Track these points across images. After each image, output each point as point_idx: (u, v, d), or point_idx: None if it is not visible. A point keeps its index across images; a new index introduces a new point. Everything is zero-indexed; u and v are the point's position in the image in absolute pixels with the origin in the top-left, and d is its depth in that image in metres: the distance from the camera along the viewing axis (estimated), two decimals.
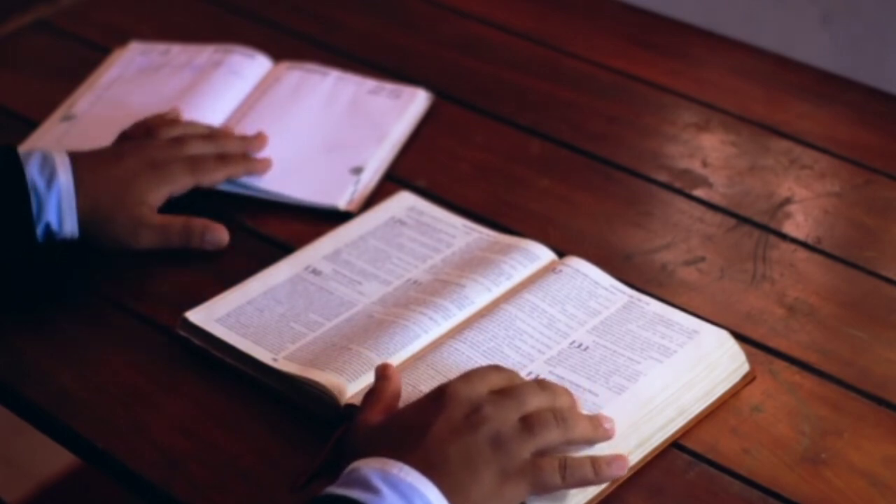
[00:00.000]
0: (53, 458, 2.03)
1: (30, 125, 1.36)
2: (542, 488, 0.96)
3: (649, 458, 1.03)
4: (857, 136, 1.36)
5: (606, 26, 1.53)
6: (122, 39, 1.48)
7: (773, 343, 1.12)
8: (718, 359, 1.08)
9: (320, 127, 1.36)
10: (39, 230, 1.16)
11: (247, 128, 1.34)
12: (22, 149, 1.18)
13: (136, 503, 1.04)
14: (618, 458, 0.99)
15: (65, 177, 1.16)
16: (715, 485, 1.01)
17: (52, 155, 1.18)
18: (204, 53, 1.44)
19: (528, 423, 0.96)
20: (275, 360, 1.08)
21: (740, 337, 1.11)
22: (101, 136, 1.30)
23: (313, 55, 1.45)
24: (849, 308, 1.16)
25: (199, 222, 1.21)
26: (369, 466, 0.93)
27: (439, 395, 0.97)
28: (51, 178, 1.16)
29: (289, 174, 1.29)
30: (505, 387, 0.99)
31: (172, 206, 1.22)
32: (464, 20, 1.54)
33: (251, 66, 1.42)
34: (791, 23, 2.21)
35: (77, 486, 2.03)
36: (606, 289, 1.14)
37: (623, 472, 0.99)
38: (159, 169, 1.21)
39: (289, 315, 1.13)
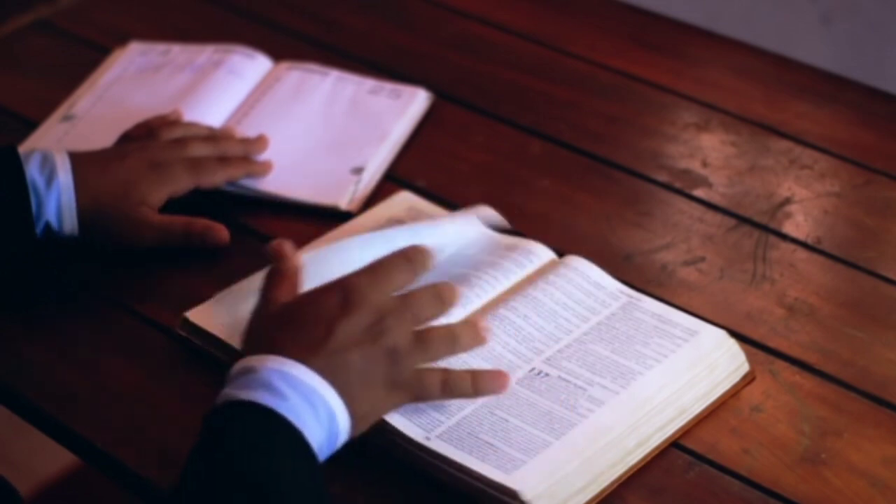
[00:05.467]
0: (53, 458, 2.03)
1: (30, 125, 1.36)
2: (423, 399, 1.01)
3: (649, 458, 1.03)
4: (857, 136, 1.36)
5: (606, 26, 1.53)
6: (122, 39, 1.48)
7: (773, 343, 1.12)
8: (718, 359, 1.08)
9: (320, 127, 1.36)
10: (39, 229, 1.16)
11: (247, 128, 1.34)
12: (22, 149, 1.18)
13: (136, 503, 1.04)
14: (499, 375, 1.02)
15: (65, 176, 1.16)
16: (715, 485, 1.01)
17: (52, 154, 1.18)
18: (204, 53, 1.44)
19: (422, 339, 1.00)
20: None
21: (740, 337, 1.11)
22: (101, 136, 1.30)
23: (313, 55, 1.46)
24: (849, 308, 1.16)
25: (199, 223, 1.21)
26: (266, 366, 0.94)
27: (347, 293, 0.99)
28: (51, 178, 1.16)
29: (289, 174, 1.29)
30: (404, 290, 1.02)
31: (173, 205, 1.22)
32: (464, 20, 1.54)
33: (251, 67, 1.42)
34: (791, 23, 2.21)
35: (77, 486, 2.04)
36: (606, 289, 1.14)
37: (504, 390, 1.02)
38: (160, 169, 1.21)
39: None
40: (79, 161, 1.18)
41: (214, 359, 1.11)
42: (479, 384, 1.02)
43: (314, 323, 0.98)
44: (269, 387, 0.93)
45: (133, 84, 1.41)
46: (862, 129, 1.37)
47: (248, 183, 1.27)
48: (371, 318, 0.99)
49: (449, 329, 1.02)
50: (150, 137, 1.25)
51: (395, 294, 1.01)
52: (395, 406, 1.00)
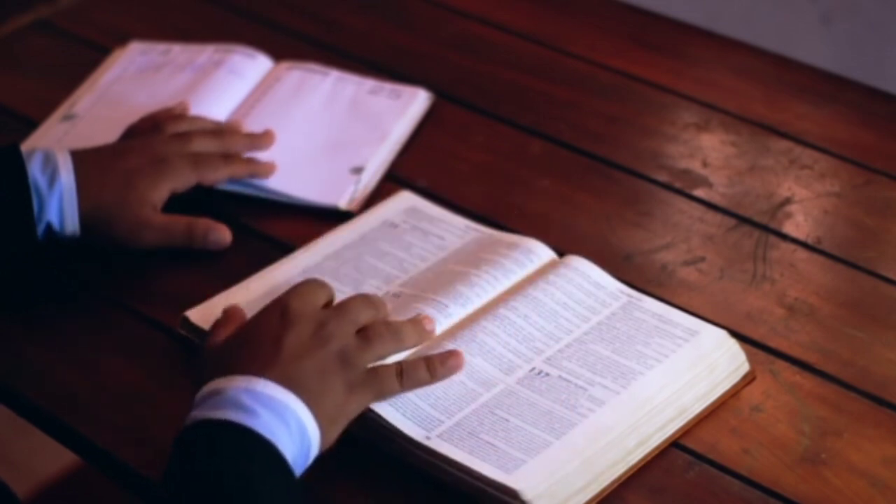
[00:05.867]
0: (53, 458, 2.03)
1: (30, 125, 1.36)
2: (385, 394, 1.02)
3: (649, 458, 1.03)
4: (857, 136, 1.36)
5: (606, 26, 1.53)
6: (122, 39, 1.48)
7: (773, 343, 1.12)
8: (718, 359, 1.08)
9: (321, 127, 1.36)
10: (40, 230, 1.16)
11: (247, 127, 1.34)
12: (24, 148, 1.18)
13: (136, 503, 1.04)
14: (452, 355, 1.04)
15: (67, 176, 1.16)
16: (715, 485, 1.01)
17: (55, 154, 1.18)
18: (204, 53, 1.44)
19: (366, 337, 1.02)
20: None
21: (740, 337, 1.11)
22: (101, 135, 1.30)
23: (313, 55, 1.46)
24: (849, 308, 1.16)
25: (202, 222, 1.21)
26: (233, 385, 0.95)
27: (283, 312, 1.01)
28: (53, 178, 1.16)
29: (289, 174, 1.29)
30: (331, 301, 1.05)
31: (172, 203, 1.22)
32: (464, 20, 1.54)
33: (252, 66, 1.42)
34: (791, 23, 2.21)
35: (77, 486, 2.04)
36: (606, 288, 1.14)
37: (459, 369, 1.04)
38: (161, 165, 1.21)
39: None
40: (81, 160, 1.18)
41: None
42: (434, 369, 1.04)
43: (262, 342, 1.00)
44: (239, 405, 0.94)
45: (133, 84, 1.41)
46: (862, 129, 1.37)
47: (249, 181, 1.27)
48: (312, 326, 1.01)
49: (390, 326, 1.04)
50: (155, 131, 1.25)
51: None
52: (360, 406, 1.01)
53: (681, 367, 1.07)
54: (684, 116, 1.39)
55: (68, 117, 1.36)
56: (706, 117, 1.39)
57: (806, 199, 1.28)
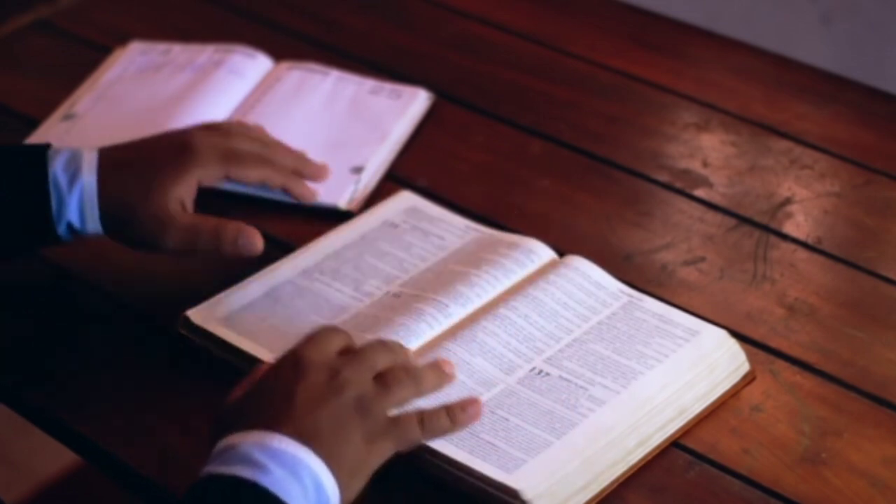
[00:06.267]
0: (53, 458, 2.03)
1: (30, 125, 1.36)
2: (406, 443, 0.97)
3: (649, 458, 1.03)
4: (857, 136, 1.36)
5: (606, 26, 1.53)
6: (122, 39, 1.48)
7: (773, 343, 1.12)
8: (718, 359, 1.08)
9: (321, 126, 1.36)
10: (62, 228, 1.13)
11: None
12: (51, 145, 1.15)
13: (136, 503, 1.04)
14: (471, 403, 1.00)
15: (88, 175, 1.12)
16: (715, 484, 1.01)
17: (81, 153, 1.14)
18: (204, 53, 1.44)
19: (384, 383, 0.97)
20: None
21: (740, 337, 1.11)
22: (101, 135, 1.29)
23: (313, 55, 1.46)
24: (849, 308, 1.16)
25: (232, 225, 1.14)
26: (246, 441, 0.91)
27: (295, 362, 0.96)
28: (74, 177, 1.13)
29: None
30: (348, 348, 1.00)
31: None
32: (464, 20, 1.54)
33: (252, 66, 1.42)
34: (791, 23, 2.21)
35: (77, 486, 2.04)
36: (607, 288, 1.14)
37: (478, 417, 1.00)
38: (188, 152, 1.15)
39: (290, 315, 1.13)
40: (107, 157, 1.14)
41: (215, 358, 1.11)
42: (455, 416, 0.99)
43: (274, 394, 0.95)
44: (249, 461, 0.90)
45: (134, 83, 1.41)
46: (862, 129, 1.37)
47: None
48: (326, 374, 0.96)
49: (409, 371, 0.99)
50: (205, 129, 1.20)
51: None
52: (382, 457, 0.96)
53: (681, 367, 1.07)
54: (684, 116, 1.39)
55: (68, 117, 1.36)
56: (706, 117, 1.39)
57: (806, 199, 1.28)
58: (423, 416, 0.98)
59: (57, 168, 1.12)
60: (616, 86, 1.44)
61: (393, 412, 0.97)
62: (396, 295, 1.14)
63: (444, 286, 1.14)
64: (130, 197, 1.13)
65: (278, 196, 1.27)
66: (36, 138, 1.33)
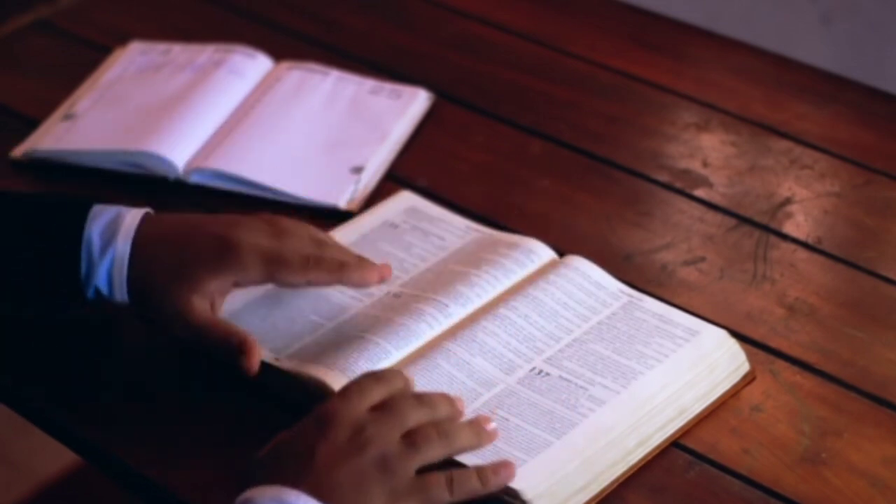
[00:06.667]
0: (53, 458, 2.03)
1: (30, 125, 1.36)
2: None
3: (649, 458, 1.03)
4: (857, 136, 1.36)
5: (606, 26, 1.53)
6: (122, 39, 1.48)
7: (773, 343, 1.12)
8: (718, 359, 1.08)
9: (321, 126, 1.36)
10: (90, 292, 1.08)
11: (247, 127, 1.34)
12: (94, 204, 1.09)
13: (136, 503, 1.04)
14: (504, 466, 0.97)
15: (123, 244, 1.07)
16: (715, 484, 1.01)
17: (123, 216, 1.08)
18: (205, 53, 1.44)
19: (412, 441, 0.95)
20: (277, 359, 1.08)
21: (740, 337, 1.11)
22: (101, 135, 1.30)
23: (313, 55, 1.46)
24: (849, 308, 1.16)
25: (238, 340, 1.06)
26: (264, 496, 0.91)
27: (320, 417, 0.95)
28: (108, 243, 1.07)
29: (289, 173, 1.29)
30: (384, 401, 0.97)
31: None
32: (464, 20, 1.54)
33: (252, 66, 1.42)
34: (791, 23, 2.21)
35: (77, 486, 2.04)
36: (607, 288, 1.14)
37: (511, 479, 0.97)
38: (231, 253, 1.07)
39: (290, 315, 1.13)
40: (150, 225, 1.08)
41: (215, 358, 1.10)
42: (487, 479, 0.96)
43: (295, 452, 0.94)
44: None
45: (134, 83, 1.41)
46: (862, 129, 1.37)
47: (248, 180, 1.27)
48: (349, 431, 0.94)
49: (441, 428, 0.97)
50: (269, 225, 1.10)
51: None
52: None
53: (681, 367, 1.07)
54: (684, 116, 1.40)
55: (68, 117, 1.36)
56: (706, 117, 1.39)
57: (806, 199, 1.28)
58: (452, 477, 0.95)
59: (94, 231, 1.07)
60: (616, 86, 1.44)
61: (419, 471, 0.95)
62: (397, 295, 1.14)
63: (445, 286, 1.14)
64: (158, 280, 1.07)
65: (278, 196, 1.27)
66: (36, 138, 1.33)
